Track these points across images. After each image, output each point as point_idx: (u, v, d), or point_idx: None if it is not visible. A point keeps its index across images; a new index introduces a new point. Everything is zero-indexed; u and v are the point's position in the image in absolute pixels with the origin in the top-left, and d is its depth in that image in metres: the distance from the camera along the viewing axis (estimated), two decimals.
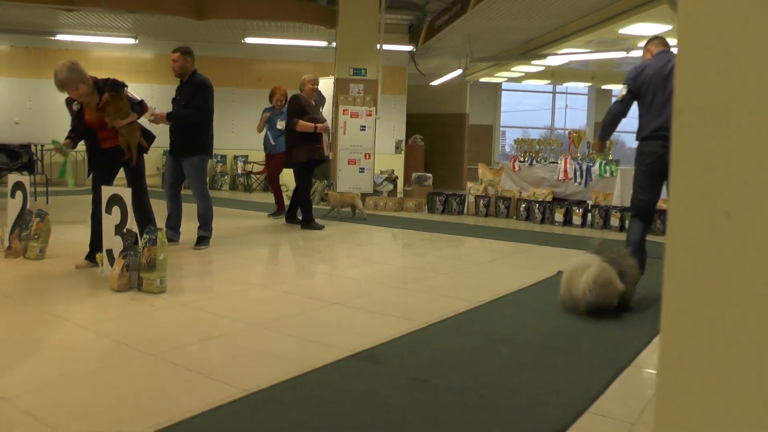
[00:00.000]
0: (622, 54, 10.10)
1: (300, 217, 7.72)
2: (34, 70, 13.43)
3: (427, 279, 4.94)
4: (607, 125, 4.79)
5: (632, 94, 4.52)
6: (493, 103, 19.48)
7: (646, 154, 4.48)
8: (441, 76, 15.37)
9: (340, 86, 10.75)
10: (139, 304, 3.86)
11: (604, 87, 18.40)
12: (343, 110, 10.62)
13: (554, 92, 20.88)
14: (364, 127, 10.63)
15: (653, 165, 4.43)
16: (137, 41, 12.84)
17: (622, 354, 3.22)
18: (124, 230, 4.41)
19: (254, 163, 13.69)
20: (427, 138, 15.36)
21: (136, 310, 3.74)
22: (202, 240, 5.98)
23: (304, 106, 7.50)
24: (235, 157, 13.91)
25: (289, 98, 7.77)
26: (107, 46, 13.24)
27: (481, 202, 9.46)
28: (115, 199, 4.55)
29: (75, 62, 4.80)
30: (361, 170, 10.67)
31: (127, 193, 4.53)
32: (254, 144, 14.07)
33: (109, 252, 4.54)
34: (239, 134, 14.08)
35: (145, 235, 4.24)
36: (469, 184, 9.79)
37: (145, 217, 4.96)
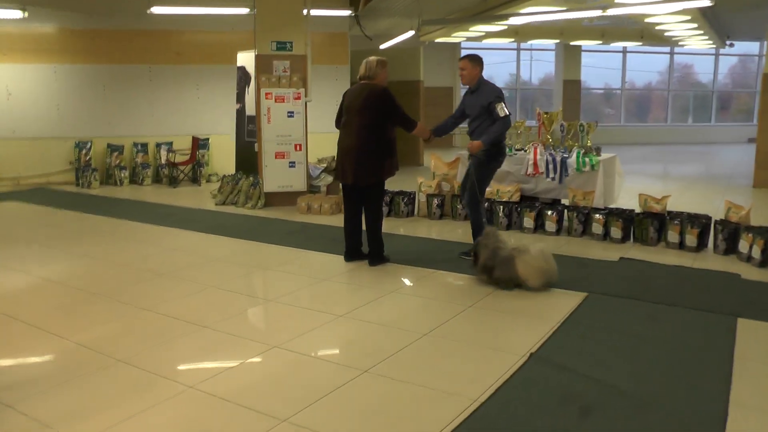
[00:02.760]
0: (596, 13, 8.42)
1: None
2: None
3: (354, 387, 3.32)
4: (502, 136, 5.82)
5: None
6: (451, 64, 17.73)
7: (503, 154, 5.95)
8: (392, 37, 13.56)
9: (262, 64, 8.93)
10: None
11: (573, 43, 16.74)
12: (266, 94, 8.82)
13: (518, 49, 19.16)
14: (292, 113, 8.87)
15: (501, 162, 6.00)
16: (26, 14, 10.77)
17: None
18: None
19: (176, 152, 11.86)
20: None
21: None
22: None
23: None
24: (158, 145, 12.06)
25: (375, 94, 5.55)
26: None
27: (434, 201, 7.83)
28: None
29: None
30: (291, 165, 8.95)
31: None
32: (178, 128, 12.27)
33: None
34: (160, 118, 12.20)
35: None
36: (420, 180, 8.13)
37: None
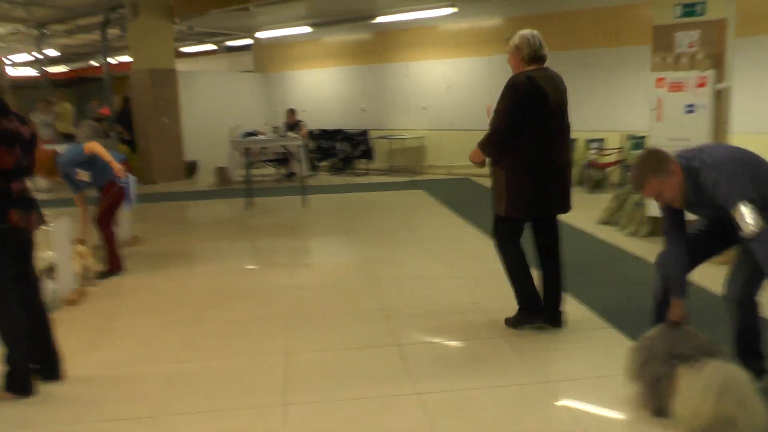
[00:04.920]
0: None
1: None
2: (369, 56, 12.70)
3: None
4: None
5: None
6: None
7: None
8: None
9: (660, 39, 6.48)
10: None
11: None
12: (658, 79, 6.38)
13: None
14: (693, 106, 6.19)
15: None
16: (456, 9, 10.50)
17: None
18: None
19: (600, 151, 10.03)
20: None
21: None
22: None
23: None
24: (588, 142, 10.41)
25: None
26: (427, 21, 11.40)
27: None
28: None
29: None
30: None
31: None
32: (612, 123, 10.31)
33: None
34: (593, 110, 10.53)
35: None
36: None
37: None
